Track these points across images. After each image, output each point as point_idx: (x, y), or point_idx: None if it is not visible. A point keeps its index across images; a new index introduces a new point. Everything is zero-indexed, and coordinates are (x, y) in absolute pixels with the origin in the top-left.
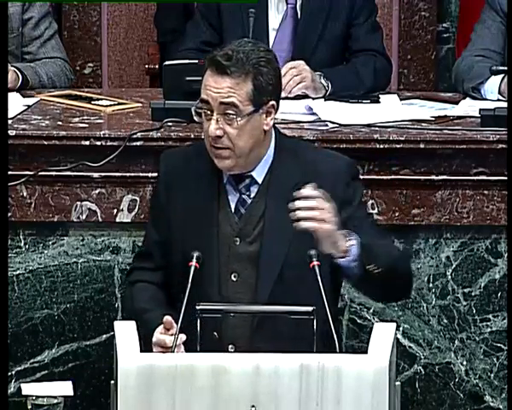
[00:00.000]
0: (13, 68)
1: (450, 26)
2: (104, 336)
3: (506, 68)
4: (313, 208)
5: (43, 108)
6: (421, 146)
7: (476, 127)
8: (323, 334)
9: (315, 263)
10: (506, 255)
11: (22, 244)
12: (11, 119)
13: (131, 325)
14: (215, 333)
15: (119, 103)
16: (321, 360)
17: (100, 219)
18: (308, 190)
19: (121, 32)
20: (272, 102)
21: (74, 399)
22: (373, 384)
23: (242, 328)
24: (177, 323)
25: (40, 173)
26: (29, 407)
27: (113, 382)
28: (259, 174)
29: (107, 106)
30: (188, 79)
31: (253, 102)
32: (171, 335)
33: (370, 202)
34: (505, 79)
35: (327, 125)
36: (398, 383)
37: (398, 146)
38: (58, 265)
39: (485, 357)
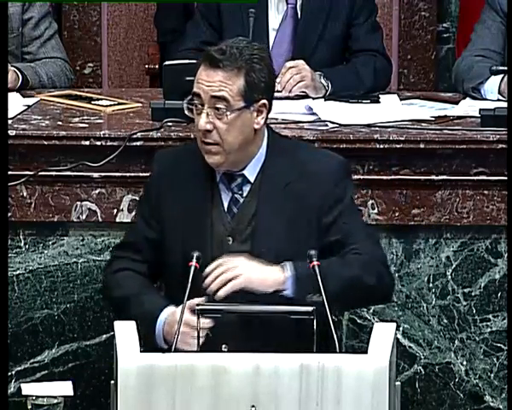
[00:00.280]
0: (13, 68)
1: (450, 26)
2: (104, 336)
3: (506, 68)
4: (223, 273)
5: (43, 108)
6: (421, 146)
7: (476, 127)
8: (319, 333)
9: (315, 263)
10: (506, 255)
11: (22, 244)
12: (11, 119)
13: (131, 325)
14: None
15: (119, 103)
16: (321, 360)
17: (100, 219)
18: (212, 266)
19: (121, 32)
20: (264, 101)
21: (74, 399)
22: (373, 384)
23: (235, 327)
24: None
25: (40, 173)
26: (29, 407)
27: (113, 382)
28: (251, 173)
29: (107, 106)
30: (188, 78)
31: (244, 98)
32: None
33: (370, 201)
34: (505, 79)
35: (327, 125)
36: (398, 383)
37: (398, 146)
38: (58, 265)
39: (485, 357)
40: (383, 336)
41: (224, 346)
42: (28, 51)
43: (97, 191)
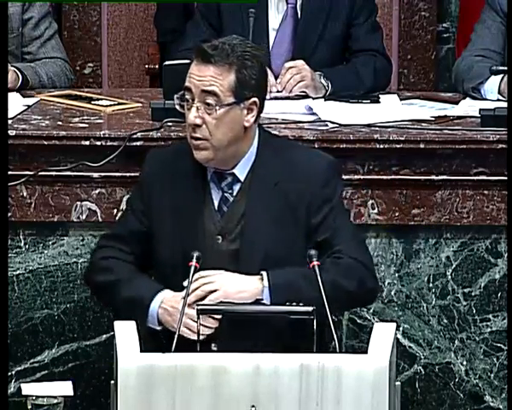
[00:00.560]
0: (13, 68)
1: (450, 26)
2: (104, 336)
3: (506, 68)
4: (201, 286)
5: (43, 108)
6: (421, 146)
7: (476, 127)
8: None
9: (315, 263)
10: (506, 255)
11: (22, 244)
12: (11, 119)
13: (131, 325)
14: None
15: (119, 103)
16: (321, 360)
17: (100, 219)
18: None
19: (121, 32)
20: (255, 99)
21: (74, 399)
22: (373, 384)
23: (224, 326)
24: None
25: (40, 173)
26: (29, 407)
27: (113, 382)
28: (241, 172)
29: (107, 106)
30: None
31: (234, 94)
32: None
33: (370, 201)
34: (505, 79)
35: (327, 125)
36: (398, 383)
37: (398, 146)
38: (58, 265)
39: (485, 357)
40: (383, 336)
41: (213, 345)
42: (28, 51)
43: (97, 191)
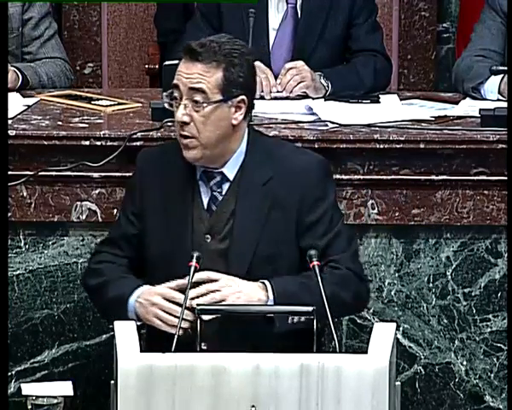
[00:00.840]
0: (13, 68)
1: (450, 26)
2: (104, 336)
3: (506, 68)
4: (212, 292)
5: (43, 108)
6: (421, 146)
7: (476, 127)
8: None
9: (315, 263)
10: (506, 255)
11: (22, 244)
12: (11, 119)
13: (131, 325)
14: (189, 331)
15: (119, 103)
16: (321, 360)
17: (100, 219)
18: (202, 274)
19: (121, 32)
20: (243, 97)
21: (74, 399)
22: (373, 384)
23: (213, 326)
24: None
25: (40, 173)
26: (29, 407)
27: (113, 382)
28: (230, 171)
29: (107, 106)
30: None
31: (221, 92)
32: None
33: (370, 201)
34: (505, 79)
35: (327, 125)
36: (398, 383)
37: (398, 146)
38: (58, 265)
39: (485, 357)
40: (383, 336)
41: (203, 344)
42: (28, 51)
43: (97, 191)
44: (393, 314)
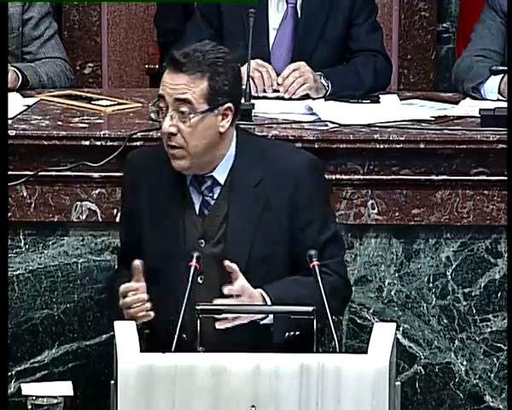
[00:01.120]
0: (13, 68)
1: (450, 26)
2: (104, 336)
3: (506, 68)
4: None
5: (43, 108)
6: (421, 146)
7: (476, 127)
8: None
9: (315, 263)
10: (506, 255)
11: (22, 244)
12: (11, 119)
13: (131, 325)
14: (184, 336)
15: (119, 103)
16: (321, 360)
17: (100, 219)
18: (232, 288)
19: (121, 32)
20: (229, 105)
21: (74, 399)
22: (373, 384)
23: (210, 329)
24: (176, 323)
25: (40, 173)
26: (29, 407)
27: (113, 382)
28: (221, 175)
29: (107, 106)
30: None
31: (207, 101)
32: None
33: (370, 201)
34: (505, 79)
35: (327, 125)
36: (398, 383)
37: (398, 146)
38: (58, 265)
39: (485, 357)
40: (383, 336)
41: (200, 349)
42: (28, 51)
43: (97, 191)
44: (393, 314)
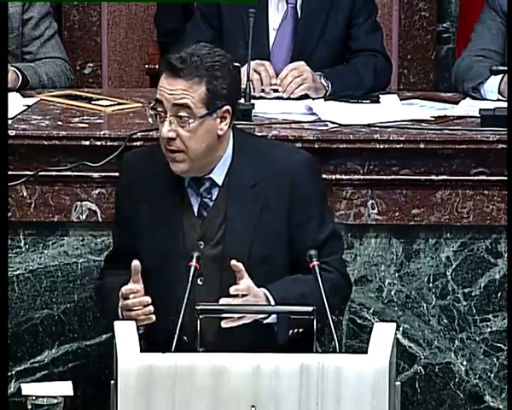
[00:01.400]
0: (13, 68)
1: (450, 26)
2: (104, 336)
3: (506, 68)
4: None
5: (43, 108)
6: (421, 146)
7: (476, 127)
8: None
9: (315, 263)
10: (506, 255)
11: (22, 244)
12: (11, 119)
13: (131, 325)
14: (185, 338)
15: (119, 103)
16: (321, 360)
17: (100, 219)
18: (238, 288)
19: (121, 32)
20: (227, 107)
21: (74, 399)
22: (373, 384)
23: (211, 331)
24: (176, 324)
25: (40, 173)
26: (29, 407)
27: (113, 382)
28: (219, 176)
29: (107, 106)
30: None
31: (206, 106)
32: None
33: (370, 201)
34: (505, 79)
35: (327, 125)
36: (398, 383)
37: (398, 146)
38: (58, 265)
39: (485, 357)
40: (383, 336)
41: (201, 350)
42: (28, 51)
43: (97, 191)
44: (393, 314)
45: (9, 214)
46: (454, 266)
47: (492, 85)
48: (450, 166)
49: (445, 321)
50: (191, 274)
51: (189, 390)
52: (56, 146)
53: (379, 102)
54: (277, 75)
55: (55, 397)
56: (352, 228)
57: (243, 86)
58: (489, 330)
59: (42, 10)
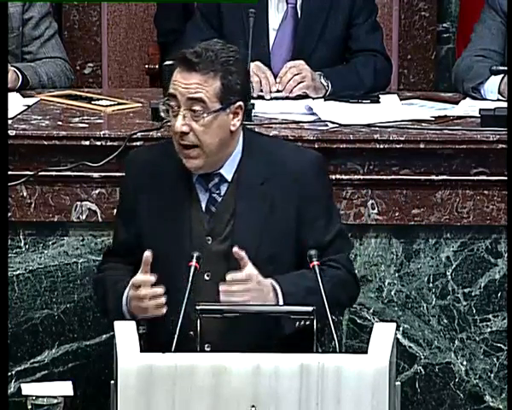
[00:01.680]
0: (13, 68)
1: (451, 26)
2: (104, 336)
3: (506, 68)
4: (244, 290)
5: (43, 108)
6: (421, 146)
7: (476, 127)
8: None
9: (315, 263)
10: (506, 255)
11: (22, 244)
12: (11, 119)
13: (131, 325)
14: (191, 333)
15: (119, 103)
16: (321, 360)
17: (100, 219)
18: (236, 275)
19: (121, 32)
20: (240, 103)
21: (74, 399)
22: (373, 384)
23: (217, 327)
24: (176, 323)
25: (40, 173)
26: (29, 407)
27: (113, 382)
28: (228, 172)
29: (107, 106)
30: None
31: (220, 100)
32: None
33: (370, 201)
34: (505, 79)
35: (327, 125)
36: (398, 383)
37: (398, 146)
38: (58, 265)
39: (485, 357)
40: (383, 336)
41: (206, 345)
42: (28, 51)
43: (97, 191)
44: (393, 314)
45: (9, 214)
46: (454, 266)
47: (492, 85)
48: (450, 166)
49: (445, 321)
50: (191, 274)
51: (189, 390)
52: (56, 146)
53: (379, 102)
54: (277, 76)
55: (55, 397)
56: (352, 228)
57: None
58: (489, 330)
59: (42, 10)
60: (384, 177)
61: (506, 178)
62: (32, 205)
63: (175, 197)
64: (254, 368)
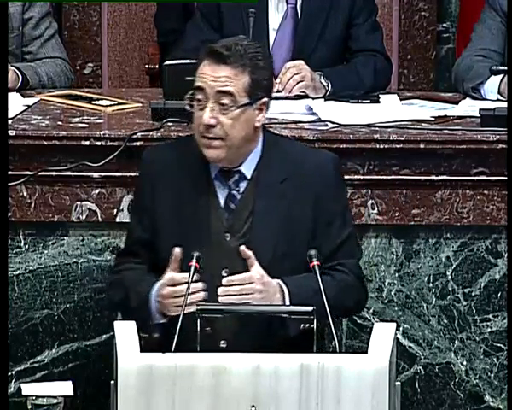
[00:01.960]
0: (13, 68)
1: (450, 26)
2: (104, 336)
3: (506, 68)
4: (243, 291)
5: (43, 108)
6: (421, 146)
7: (476, 127)
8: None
9: (315, 263)
10: (506, 255)
11: (22, 244)
12: (11, 119)
13: (131, 325)
14: (207, 328)
15: (119, 103)
16: (321, 360)
17: (100, 219)
18: (237, 277)
19: (121, 32)
20: (265, 99)
21: (74, 399)
22: (373, 384)
23: (234, 324)
24: (177, 322)
25: (40, 173)
26: (29, 407)
27: (113, 382)
28: (248, 169)
29: (107, 106)
30: (188, 78)
31: (248, 95)
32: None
33: (370, 201)
34: (505, 79)
35: (327, 125)
36: (398, 383)
37: (398, 146)
38: (58, 265)
39: (485, 357)
40: (383, 336)
41: (222, 342)
42: (28, 51)
43: (97, 191)
44: (393, 314)
45: (9, 214)
46: (454, 266)
47: (492, 85)
48: (450, 166)
49: (445, 321)
50: (191, 274)
51: (189, 390)
52: (56, 146)
53: (379, 102)
54: (277, 76)
55: (55, 397)
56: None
57: None
58: (489, 330)
59: (42, 10)
60: (384, 177)
61: (506, 178)
62: (32, 205)
63: (193, 193)
64: (254, 368)
